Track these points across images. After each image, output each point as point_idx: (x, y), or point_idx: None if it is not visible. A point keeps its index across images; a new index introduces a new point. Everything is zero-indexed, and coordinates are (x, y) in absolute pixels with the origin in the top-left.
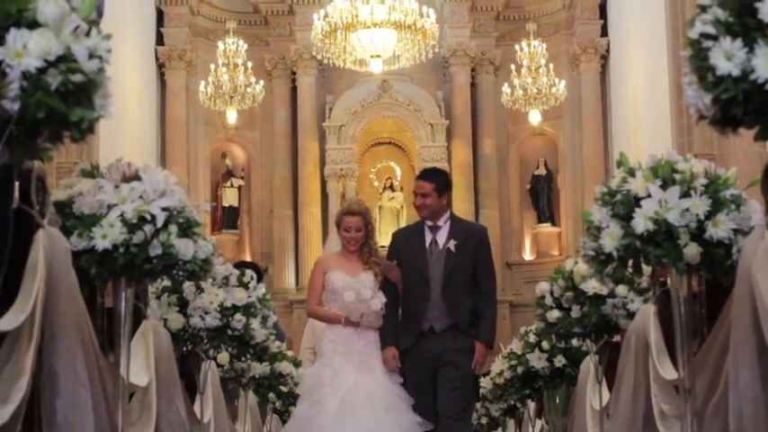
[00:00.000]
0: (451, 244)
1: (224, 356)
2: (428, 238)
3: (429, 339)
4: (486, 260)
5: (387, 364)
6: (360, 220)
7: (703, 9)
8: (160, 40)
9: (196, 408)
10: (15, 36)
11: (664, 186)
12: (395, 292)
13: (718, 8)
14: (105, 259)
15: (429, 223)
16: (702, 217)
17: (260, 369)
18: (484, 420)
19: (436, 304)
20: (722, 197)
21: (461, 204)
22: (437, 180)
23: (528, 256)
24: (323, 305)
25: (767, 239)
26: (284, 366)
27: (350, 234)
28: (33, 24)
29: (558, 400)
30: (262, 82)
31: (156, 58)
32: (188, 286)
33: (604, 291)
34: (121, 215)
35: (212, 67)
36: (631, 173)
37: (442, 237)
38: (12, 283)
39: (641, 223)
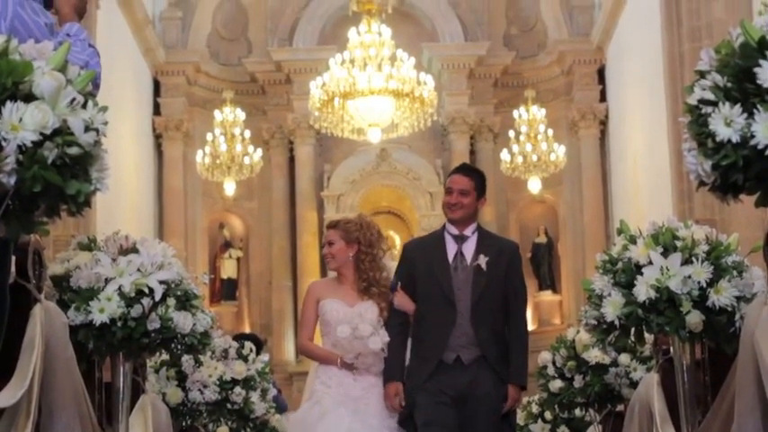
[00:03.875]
0: (482, 260)
1: (223, 430)
2: (451, 249)
3: (453, 372)
4: (520, 284)
5: (388, 401)
6: (335, 232)
7: (702, 75)
8: (157, 109)
9: None
10: (11, 109)
11: (665, 253)
12: (404, 318)
13: (717, 74)
14: (103, 333)
15: (453, 231)
16: (704, 284)
17: None
18: None
19: (464, 330)
20: (724, 264)
21: None
22: (477, 178)
23: (529, 324)
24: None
25: None
26: None
27: (324, 250)
28: (29, 97)
29: None
30: (260, 151)
31: (153, 129)
32: (187, 360)
33: (607, 360)
34: (119, 289)
35: (209, 137)
36: (632, 240)
37: (469, 249)
38: (9, 358)
39: (643, 291)
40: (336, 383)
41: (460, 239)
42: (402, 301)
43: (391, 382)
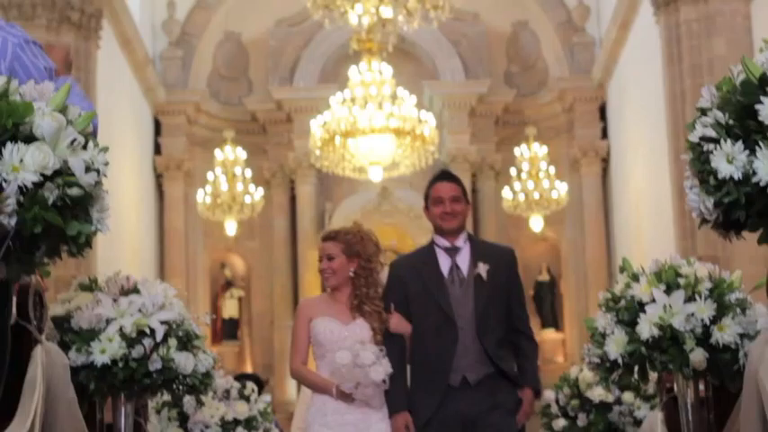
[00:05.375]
0: (482, 269)
1: None
2: (445, 262)
3: (461, 396)
4: (521, 291)
5: None
6: (335, 245)
7: (703, 112)
8: (157, 149)
9: None
10: (12, 150)
11: (668, 291)
12: (402, 342)
13: (719, 111)
14: (104, 374)
15: (444, 243)
16: (708, 321)
17: None
18: None
19: (469, 349)
20: (727, 301)
21: None
22: (461, 184)
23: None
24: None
25: None
26: None
27: (321, 265)
28: (30, 138)
29: None
30: (261, 190)
31: (154, 168)
32: (188, 400)
33: (610, 398)
34: (120, 329)
35: (210, 176)
36: (635, 278)
37: (464, 260)
38: (10, 399)
39: (646, 329)
40: (332, 410)
41: (453, 251)
42: (399, 323)
43: (398, 414)
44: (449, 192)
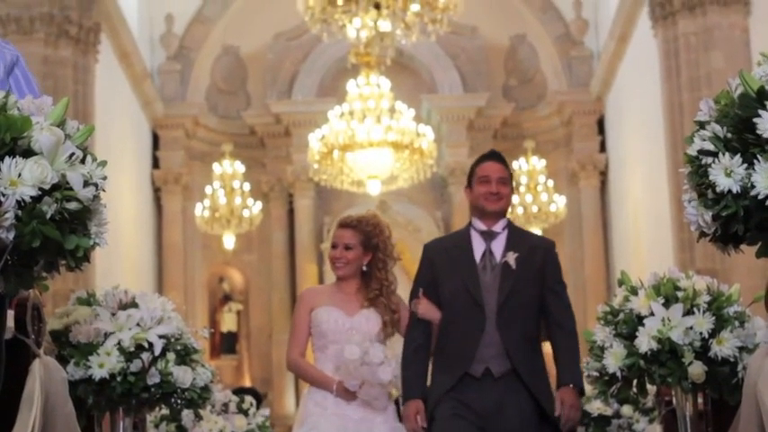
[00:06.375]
0: (511, 257)
1: None
2: (479, 247)
3: (480, 388)
4: (560, 284)
5: (408, 422)
6: (354, 235)
7: (701, 125)
8: (156, 163)
9: None
10: (10, 165)
11: (666, 304)
12: (428, 329)
13: (717, 124)
14: (103, 388)
15: (481, 227)
16: (706, 335)
17: None
18: None
19: (493, 338)
20: (726, 314)
21: None
22: (510, 169)
23: None
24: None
25: None
26: None
27: (335, 252)
28: (28, 152)
29: None
30: (259, 204)
31: (152, 182)
32: (187, 414)
33: (609, 411)
34: (118, 343)
35: (209, 190)
36: (633, 291)
37: (498, 247)
38: (8, 414)
39: (645, 342)
40: (333, 404)
41: (489, 236)
42: (427, 308)
43: (411, 399)
44: (497, 172)
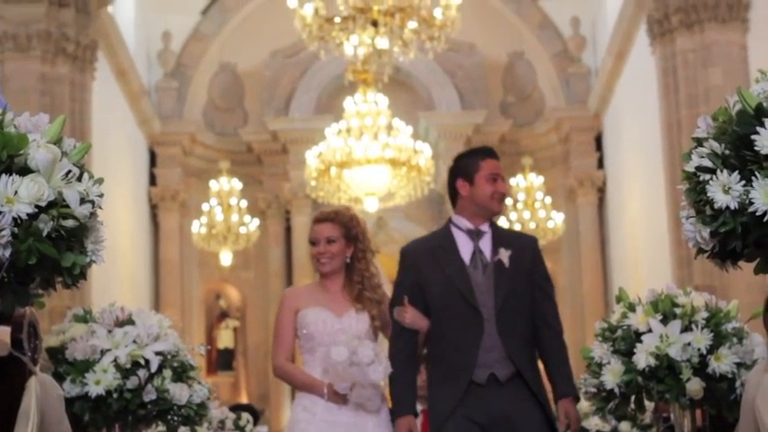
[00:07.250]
0: (504, 255)
1: None
2: (465, 246)
3: (486, 395)
4: (548, 283)
5: None
6: (333, 228)
7: (699, 142)
8: (153, 180)
9: None
10: (6, 182)
11: (664, 321)
12: (414, 338)
13: (715, 141)
14: (99, 405)
15: (467, 225)
16: (704, 351)
17: None
18: None
19: (494, 341)
20: (724, 331)
21: None
22: None
23: None
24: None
25: None
26: None
27: (318, 248)
28: (24, 170)
29: None
30: (256, 221)
31: (149, 199)
32: (183, 431)
33: (607, 428)
34: (115, 360)
35: (206, 207)
36: (631, 308)
37: (486, 245)
38: (4, 431)
39: (643, 359)
40: (322, 409)
41: (477, 234)
42: (415, 317)
43: (403, 416)
44: (495, 169)
